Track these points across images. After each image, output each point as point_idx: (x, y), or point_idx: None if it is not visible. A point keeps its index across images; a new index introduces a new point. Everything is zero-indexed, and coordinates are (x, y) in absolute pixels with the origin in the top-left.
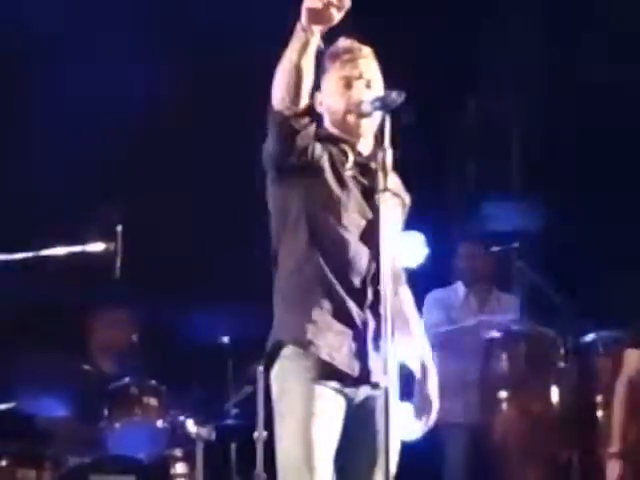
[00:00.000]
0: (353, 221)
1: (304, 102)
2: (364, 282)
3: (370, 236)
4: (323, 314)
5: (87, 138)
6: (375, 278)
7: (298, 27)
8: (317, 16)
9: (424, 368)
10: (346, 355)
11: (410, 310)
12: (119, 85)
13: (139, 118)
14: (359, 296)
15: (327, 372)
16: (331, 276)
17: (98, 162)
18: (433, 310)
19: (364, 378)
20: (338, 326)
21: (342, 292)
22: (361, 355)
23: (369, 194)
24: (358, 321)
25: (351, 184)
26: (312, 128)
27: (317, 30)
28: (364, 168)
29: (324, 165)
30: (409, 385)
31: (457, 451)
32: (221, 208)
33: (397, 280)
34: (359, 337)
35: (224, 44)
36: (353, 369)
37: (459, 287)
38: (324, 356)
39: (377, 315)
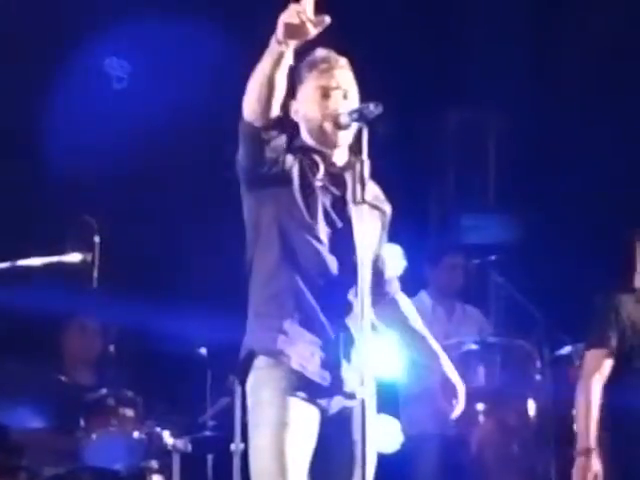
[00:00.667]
0: (323, 231)
1: (275, 114)
2: (336, 292)
3: (341, 246)
4: (294, 324)
5: (65, 150)
6: (348, 288)
7: (273, 40)
8: (293, 31)
9: (435, 357)
10: (317, 365)
11: (407, 309)
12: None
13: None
14: (331, 306)
15: (299, 382)
16: (302, 286)
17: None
18: None
19: (337, 388)
20: (309, 336)
21: (313, 302)
22: (333, 365)
23: (340, 205)
24: (330, 331)
25: (321, 194)
26: (283, 139)
27: (292, 44)
28: (336, 178)
29: (294, 176)
30: (388, 397)
31: (429, 463)
32: (201, 220)
33: (388, 287)
34: (331, 347)
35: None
36: (325, 379)
37: (424, 298)
38: (295, 366)
39: (350, 325)
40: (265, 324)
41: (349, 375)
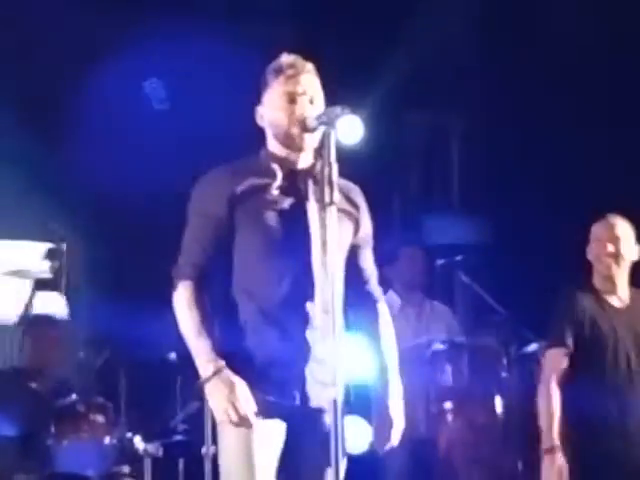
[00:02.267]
0: (277, 240)
1: None
2: (295, 302)
3: (298, 251)
4: (252, 346)
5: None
6: (307, 297)
7: (202, 364)
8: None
9: (387, 386)
10: (281, 385)
11: (384, 328)
12: None
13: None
14: (290, 319)
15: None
16: (266, 292)
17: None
18: None
19: (302, 405)
20: (269, 354)
21: (275, 307)
22: (296, 383)
23: (298, 210)
24: (291, 346)
25: (275, 205)
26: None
27: None
28: (297, 183)
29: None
30: (359, 399)
31: (398, 463)
32: (171, 216)
33: (369, 287)
34: (293, 362)
35: None
36: (290, 398)
37: (392, 298)
38: (260, 393)
39: (309, 337)
40: (229, 348)
41: (314, 390)
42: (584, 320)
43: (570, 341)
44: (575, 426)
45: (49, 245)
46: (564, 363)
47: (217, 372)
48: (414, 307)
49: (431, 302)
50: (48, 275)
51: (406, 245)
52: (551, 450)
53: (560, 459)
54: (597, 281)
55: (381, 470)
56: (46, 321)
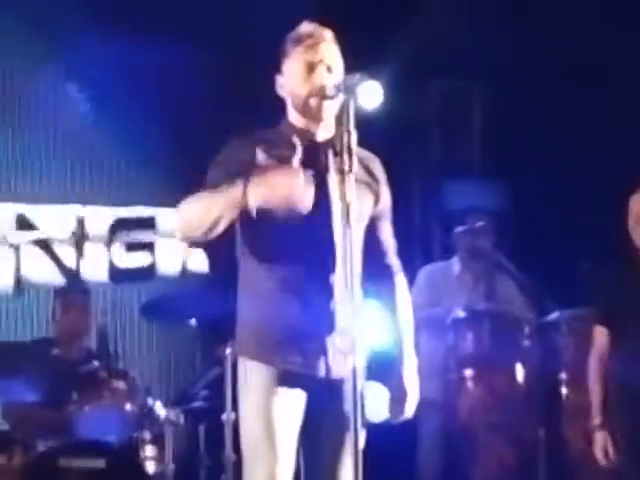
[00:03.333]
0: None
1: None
2: (317, 271)
3: (320, 224)
4: (274, 315)
5: None
6: (329, 267)
7: (238, 190)
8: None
9: (402, 359)
10: (302, 356)
11: (401, 300)
12: None
13: None
14: (312, 288)
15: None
16: (288, 264)
17: None
18: (424, 288)
19: (323, 375)
20: (292, 325)
21: (293, 286)
22: (318, 353)
23: (319, 181)
24: (312, 315)
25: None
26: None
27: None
28: (318, 154)
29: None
30: (380, 366)
31: (418, 430)
32: None
33: (388, 259)
34: (315, 332)
35: None
36: (310, 368)
37: (455, 262)
38: (281, 365)
39: (332, 305)
40: (247, 321)
41: (336, 361)
42: (628, 292)
43: (617, 315)
44: (624, 401)
45: None
46: (612, 338)
47: (246, 182)
48: (474, 275)
49: (495, 272)
50: None
51: (472, 212)
52: (602, 425)
53: (613, 434)
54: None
55: (403, 437)
56: (74, 290)
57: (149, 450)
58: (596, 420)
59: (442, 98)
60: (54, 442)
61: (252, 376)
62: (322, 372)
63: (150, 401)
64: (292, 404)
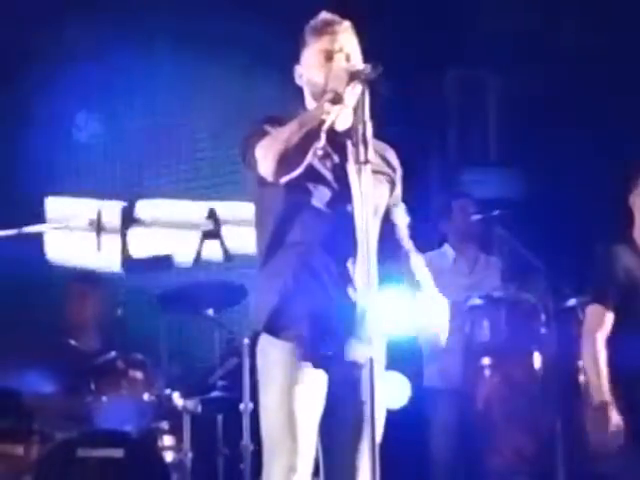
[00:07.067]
0: (322, 199)
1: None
2: (336, 259)
3: (341, 213)
4: (293, 298)
5: None
6: (348, 254)
7: (316, 112)
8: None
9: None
10: (320, 338)
11: (417, 265)
12: None
13: None
14: (332, 273)
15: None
16: (307, 253)
17: None
18: None
19: (341, 358)
20: (310, 308)
21: (312, 271)
22: (335, 336)
23: (340, 171)
24: (331, 300)
25: (320, 163)
26: None
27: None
28: (338, 144)
29: None
30: (397, 354)
31: (435, 418)
32: None
33: (402, 242)
34: (333, 317)
35: None
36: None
37: (447, 250)
38: (300, 347)
39: (350, 292)
40: (268, 299)
41: (353, 344)
42: (624, 273)
43: (611, 295)
44: (621, 381)
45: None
46: (606, 318)
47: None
48: (468, 260)
49: (486, 256)
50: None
51: (455, 197)
52: (603, 406)
53: (614, 414)
54: (637, 233)
55: (420, 426)
56: (89, 279)
57: (167, 440)
58: (596, 400)
59: (459, 87)
60: (72, 432)
61: (273, 354)
62: (340, 357)
63: (168, 391)
64: (313, 392)
